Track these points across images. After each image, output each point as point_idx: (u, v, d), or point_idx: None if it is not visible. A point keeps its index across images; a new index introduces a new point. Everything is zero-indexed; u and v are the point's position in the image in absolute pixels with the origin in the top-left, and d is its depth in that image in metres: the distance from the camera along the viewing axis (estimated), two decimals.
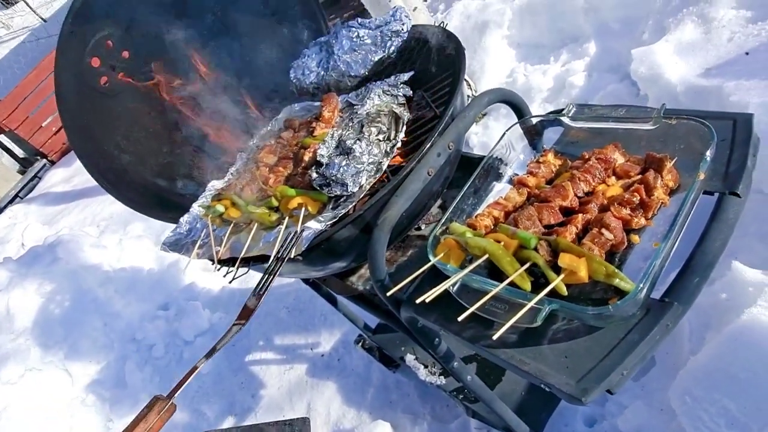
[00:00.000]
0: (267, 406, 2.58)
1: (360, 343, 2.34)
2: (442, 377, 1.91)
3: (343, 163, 1.02)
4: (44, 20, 10.92)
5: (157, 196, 1.67)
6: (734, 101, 1.73)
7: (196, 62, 1.70)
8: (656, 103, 2.28)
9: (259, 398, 2.63)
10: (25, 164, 6.53)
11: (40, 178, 5.95)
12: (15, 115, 5.87)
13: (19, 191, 5.91)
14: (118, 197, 1.55)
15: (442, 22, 1.34)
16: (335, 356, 2.60)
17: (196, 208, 1.48)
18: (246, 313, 1.08)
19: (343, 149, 1.05)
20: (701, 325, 1.55)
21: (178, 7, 1.62)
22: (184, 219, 1.50)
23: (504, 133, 1.18)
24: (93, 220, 4.13)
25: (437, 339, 1.24)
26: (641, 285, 0.72)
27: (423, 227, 1.48)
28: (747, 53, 1.89)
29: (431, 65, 1.37)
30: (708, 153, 0.80)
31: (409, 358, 2.02)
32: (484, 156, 1.21)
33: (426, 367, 1.97)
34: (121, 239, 3.83)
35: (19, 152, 6.56)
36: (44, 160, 6.15)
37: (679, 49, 2.13)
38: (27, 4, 11.20)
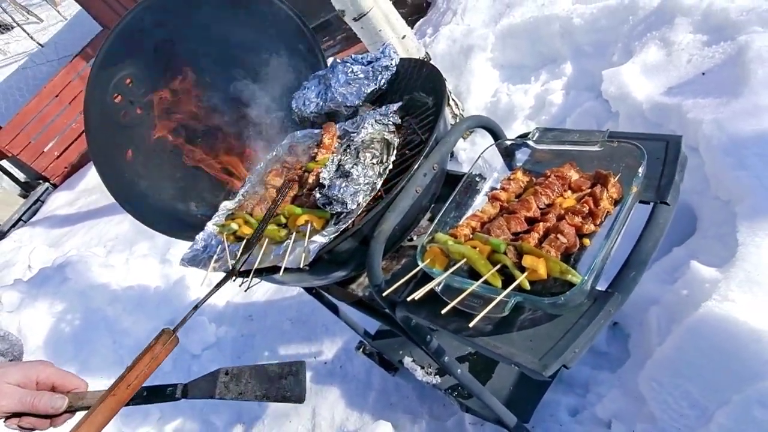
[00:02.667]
0: (273, 414, 2.72)
1: (361, 349, 2.49)
2: (437, 377, 2.07)
3: (343, 184, 1.20)
4: (41, 45, 11.15)
5: (174, 218, 1.84)
6: (691, 118, 1.93)
7: (202, 94, 1.88)
8: (626, 119, 2.49)
9: (266, 407, 2.77)
10: (26, 188, 6.68)
11: (42, 202, 6.10)
12: (17, 140, 6.03)
13: (22, 215, 6.06)
14: (141, 220, 1.72)
15: (426, 54, 1.51)
16: (337, 363, 2.75)
17: (210, 227, 1.65)
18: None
19: (342, 172, 1.23)
20: (667, 319, 1.72)
21: (182, 53, 1.79)
22: (200, 236, 1.67)
23: (480, 154, 1.37)
24: (99, 241, 4.28)
25: (429, 336, 1.41)
26: (586, 277, 0.89)
27: (414, 238, 1.65)
28: (703, 73, 2.10)
29: (417, 94, 1.56)
30: (640, 170, 0.98)
31: (407, 361, 2.18)
32: (462, 173, 1.40)
33: (423, 368, 2.13)
34: (127, 259, 3.98)
35: (20, 176, 6.72)
36: (47, 184, 6.30)
37: (645, 70, 2.33)
38: (24, 30, 11.43)
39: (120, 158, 1.72)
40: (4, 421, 0.88)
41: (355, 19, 2.66)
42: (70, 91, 6.17)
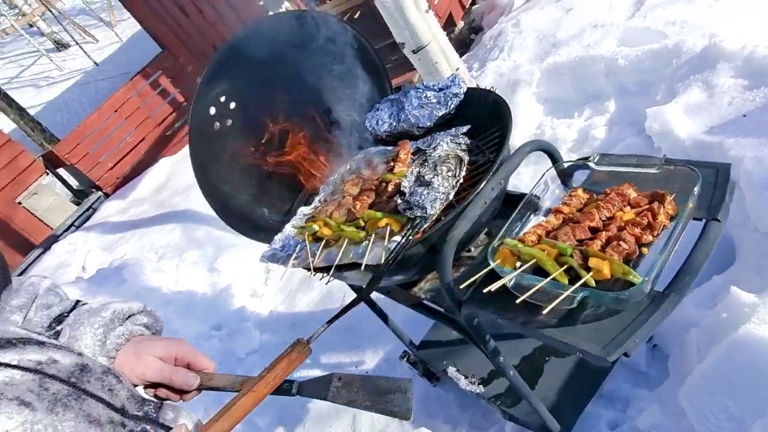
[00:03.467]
0: (315, 418, 2.84)
1: (405, 358, 2.62)
2: (481, 386, 2.19)
3: (424, 192, 1.38)
4: (96, 64, 11.85)
5: (250, 220, 2.03)
6: (733, 155, 2.06)
7: (281, 112, 2.10)
8: (669, 155, 2.62)
9: (307, 411, 2.90)
10: (79, 196, 7.06)
11: (95, 209, 6.44)
12: (76, 150, 6.43)
13: (75, 220, 6.41)
14: (224, 219, 1.92)
15: (493, 87, 1.69)
16: (379, 372, 2.87)
17: (289, 228, 1.84)
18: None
19: (423, 182, 1.41)
20: (707, 341, 1.82)
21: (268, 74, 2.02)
22: (278, 237, 1.86)
23: (543, 175, 1.53)
24: (151, 248, 4.53)
25: (488, 336, 1.55)
26: (647, 278, 1.04)
27: (473, 249, 1.81)
28: (744, 115, 2.23)
29: (483, 120, 1.74)
30: (696, 189, 1.13)
31: (451, 370, 2.30)
32: (524, 193, 1.56)
33: (466, 377, 2.25)
34: (177, 265, 4.21)
35: (74, 184, 7.11)
36: (99, 193, 6.66)
37: (687, 109, 2.48)
38: (81, 48, 12.17)
39: (209, 163, 1.93)
40: (144, 389, 0.96)
41: (414, 51, 2.89)
42: (128, 106, 6.57)
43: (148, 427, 0.80)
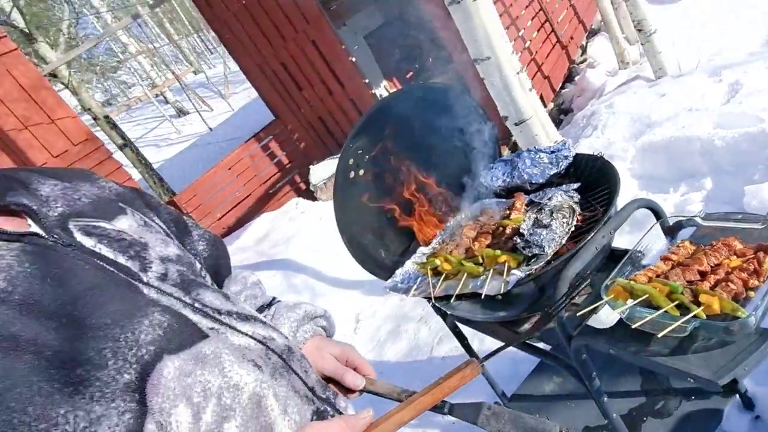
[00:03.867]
0: None
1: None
2: None
3: (543, 232, 1.60)
4: (210, 129, 13.35)
5: (372, 258, 2.32)
6: None
7: (407, 167, 2.42)
8: None
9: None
10: None
11: None
12: (192, 201, 7.21)
13: None
14: (351, 252, 2.22)
15: (600, 152, 1.90)
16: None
17: (409, 264, 2.10)
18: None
19: (541, 224, 1.63)
20: None
21: (399, 135, 2.37)
22: (399, 271, 2.12)
23: (649, 229, 1.70)
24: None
25: (594, 373, 1.68)
26: (757, 312, 1.18)
27: (576, 297, 1.97)
28: None
29: (591, 180, 1.95)
30: None
31: None
32: (627, 249, 1.73)
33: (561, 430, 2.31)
34: None
35: None
36: None
37: None
38: (200, 115, 13.83)
39: (345, 204, 2.26)
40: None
41: (516, 124, 3.19)
42: (240, 166, 7.35)
43: (329, 408, 0.93)
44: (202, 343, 0.78)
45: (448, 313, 2.20)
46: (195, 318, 0.81)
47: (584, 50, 7.86)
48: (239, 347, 0.82)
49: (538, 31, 6.72)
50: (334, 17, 7.39)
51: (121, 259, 0.82)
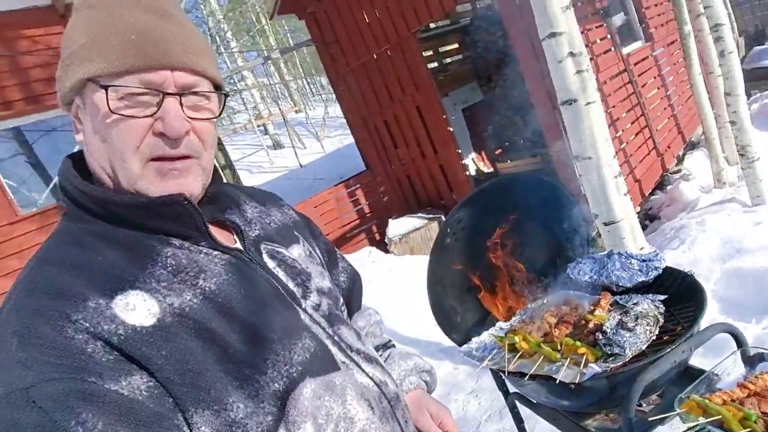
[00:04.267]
0: None
1: None
2: None
3: (627, 335, 1.72)
4: (301, 165, 14.20)
5: (449, 321, 2.49)
6: None
7: (498, 243, 2.60)
8: None
9: None
10: None
11: None
12: None
13: None
14: (432, 310, 2.41)
15: (691, 271, 1.98)
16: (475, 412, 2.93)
17: (486, 335, 2.25)
18: None
19: (626, 327, 1.75)
20: None
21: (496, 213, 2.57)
22: (475, 339, 2.27)
23: (728, 355, 1.78)
24: None
25: None
26: None
27: (643, 405, 2.02)
28: None
29: (677, 295, 2.05)
30: None
31: None
32: (701, 369, 1.80)
33: None
34: None
35: None
36: None
37: None
38: (294, 151, 14.79)
39: (436, 266, 2.48)
40: None
41: (605, 224, 3.31)
42: (326, 206, 7.78)
43: None
44: (334, 374, 0.89)
45: (511, 391, 2.32)
46: (333, 350, 0.93)
47: (680, 161, 7.83)
48: (360, 385, 0.92)
49: (637, 135, 6.82)
50: (440, 86, 7.89)
51: (291, 285, 0.98)
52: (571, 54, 2.96)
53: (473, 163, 10.25)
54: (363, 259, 7.00)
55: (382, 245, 7.34)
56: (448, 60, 10.41)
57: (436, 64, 9.78)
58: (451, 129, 7.31)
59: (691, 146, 8.42)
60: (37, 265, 0.78)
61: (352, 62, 7.67)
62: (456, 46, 10.36)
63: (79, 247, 0.79)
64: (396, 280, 5.81)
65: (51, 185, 5.99)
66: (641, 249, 3.27)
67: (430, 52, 9.66)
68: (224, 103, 0.96)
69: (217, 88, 0.93)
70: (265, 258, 0.98)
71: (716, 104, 6.59)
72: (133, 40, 0.80)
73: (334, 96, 8.90)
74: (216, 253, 0.89)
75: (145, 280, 0.78)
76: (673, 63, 8.27)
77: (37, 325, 0.69)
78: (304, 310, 0.95)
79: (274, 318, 0.86)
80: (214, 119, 0.92)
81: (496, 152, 10.57)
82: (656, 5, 8.07)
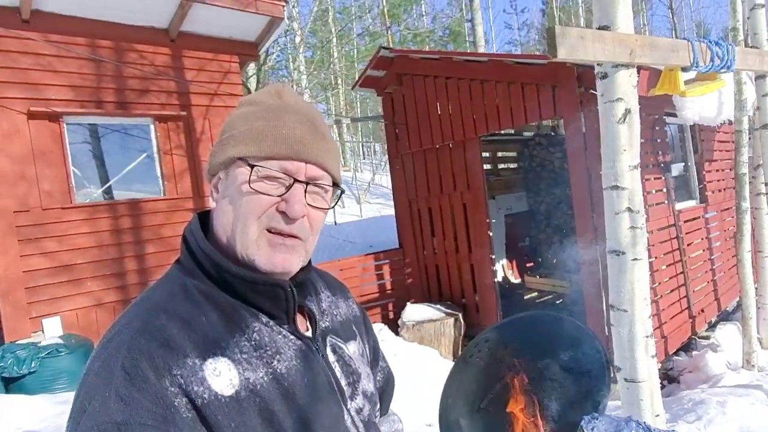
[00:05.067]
0: None
1: None
2: None
3: None
4: (336, 223, 14.48)
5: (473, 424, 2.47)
6: None
7: (515, 373, 2.61)
8: None
9: None
10: None
11: None
12: None
13: None
14: (439, 417, 2.39)
15: None
16: None
17: None
18: None
19: None
20: None
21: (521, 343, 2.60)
22: None
23: None
24: None
25: None
26: None
27: None
28: None
29: None
30: None
31: None
32: None
33: None
34: None
35: None
36: None
37: None
38: (333, 209, 15.02)
39: (454, 376, 2.49)
40: None
41: (626, 380, 3.26)
42: (350, 272, 7.85)
43: None
44: None
45: None
46: None
47: (711, 326, 7.64)
48: None
49: (672, 291, 6.75)
50: (489, 188, 8.10)
51: (343, 382, 1.04)
52: (629, 209, 3.06)
53: (502, 269, 10.26)
54: None
55: (394, 326, 7.29)
56: (503, 165, 10.73)
57: (490, 167, 10.09)
58: (491, 233, 7.42)
59: (725, 316, 8.24)
60: (154, 311, 0.85)
61: (415, 146, 8.01)
62: (513, 154, 10.71)
63: (189, 303, 0.87)
64: (400, 366, 5.73)
65: (107, 185, 6.28)
66: (656, 416, 3.19)
67: (488, 154, 10.00)
68: (339, 197, 1.08)
69: (335, 184, 1.05)
70: (328, 350, 1.04)
71: (760, 284, 6.52)
72: (284, 134, 0.94)
73: (383, 164, 9.18)
74: (292, 337, 0.95)
75: (232, 349, 0.85)
76: (724, 229, 8.28)
77: (144, 368, 0.75)
78: (348, 411, 0.99)
79: (325, 413, 0.91)
80: (327, 210, 1.02)
81: (527, 264, 10.58)
82: (717, 171, 8.22)
